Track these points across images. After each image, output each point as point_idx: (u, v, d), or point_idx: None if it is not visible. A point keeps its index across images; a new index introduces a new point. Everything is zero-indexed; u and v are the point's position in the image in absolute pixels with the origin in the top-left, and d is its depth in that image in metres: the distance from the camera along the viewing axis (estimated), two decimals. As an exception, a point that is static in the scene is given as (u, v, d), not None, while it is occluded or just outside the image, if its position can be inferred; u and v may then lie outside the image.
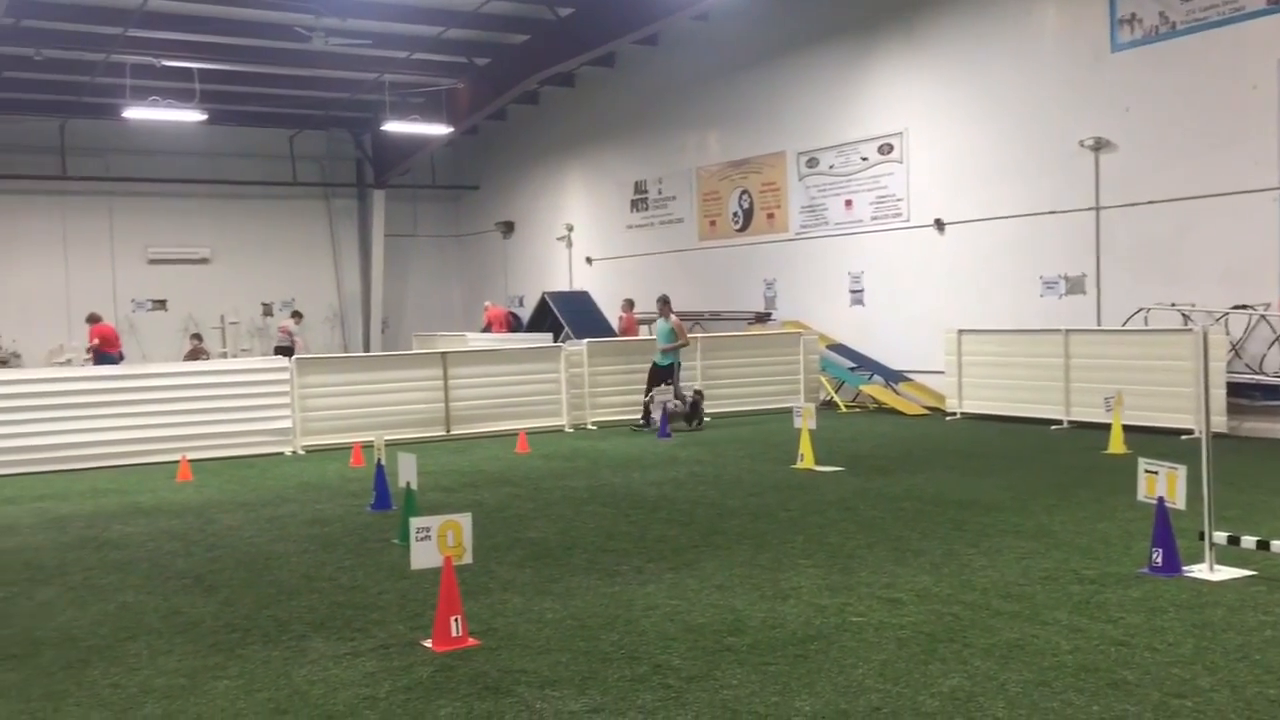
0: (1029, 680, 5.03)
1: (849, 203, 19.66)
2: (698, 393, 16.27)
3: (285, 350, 24.18)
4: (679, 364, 16.24)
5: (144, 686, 5.36)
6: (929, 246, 18.25)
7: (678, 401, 15.84)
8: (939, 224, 18.04)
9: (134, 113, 22.97)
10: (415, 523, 5.87)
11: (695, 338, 18.14)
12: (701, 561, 7.57)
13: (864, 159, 19.29)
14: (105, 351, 20.58)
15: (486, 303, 27.51)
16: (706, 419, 16.49)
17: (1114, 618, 5.96)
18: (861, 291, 19.52)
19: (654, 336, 16.74)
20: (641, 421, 16.17)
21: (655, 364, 16.21)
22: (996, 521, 8.66)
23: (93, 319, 21.89)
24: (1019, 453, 12.73)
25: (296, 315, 26.49)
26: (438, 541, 5.87)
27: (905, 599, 6.44)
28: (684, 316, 21.99)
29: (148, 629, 6.37)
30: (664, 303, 16.53)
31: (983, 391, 16.24)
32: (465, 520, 5.97)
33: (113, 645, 6.07)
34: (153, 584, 7.50)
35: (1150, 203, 15.11)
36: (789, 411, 12.95)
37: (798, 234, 20.81)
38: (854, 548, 7.85)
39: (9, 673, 5.63)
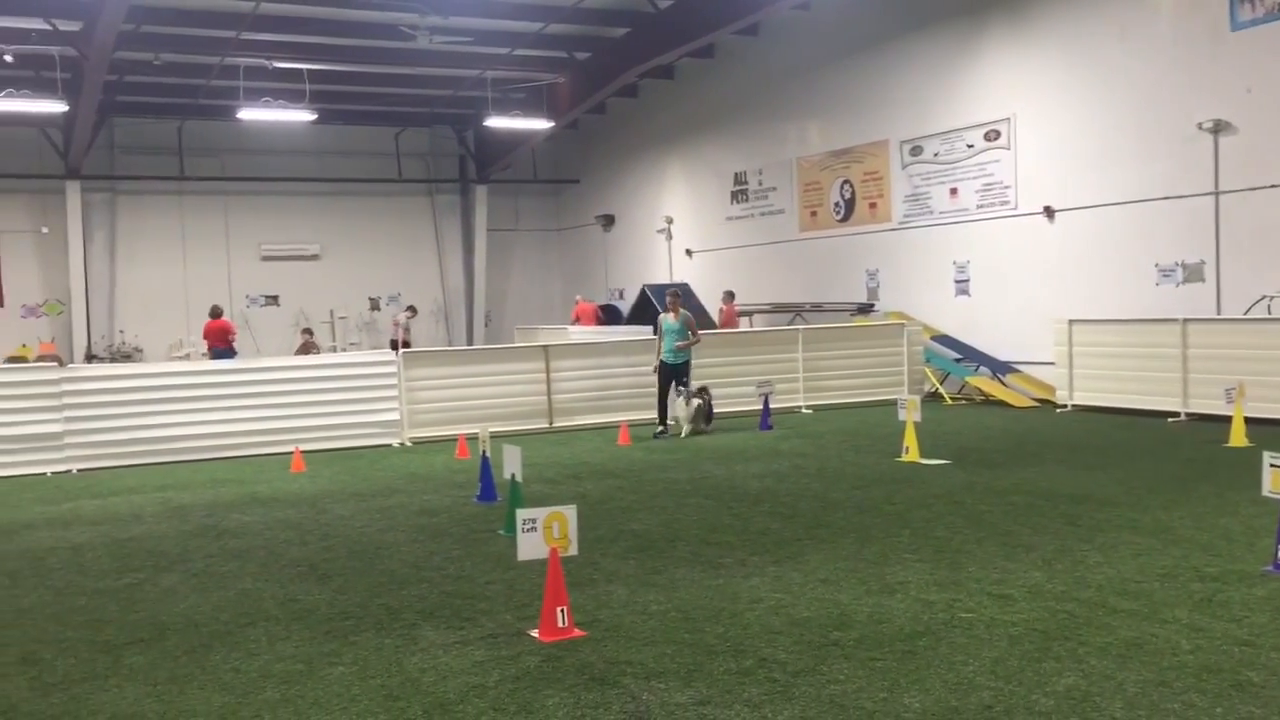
0: (1148, 680, 4.89)
1: (954, 191, 19.30)
2: (703, 390, 15.21)
3: (397, 345, 24.85)
4: (688, 362, 15.16)
5: (263, 671, 5.53)
6: (1038, 234, 17.81)
7: (698, 400, 14.88)
8: (1048, 211, 17.60)
9: (248, 114, 23.66)
10: (522, 514, 5.95)
11: (796, 329, 18.03)
12: (805, 555, 7.52)
13: (970, 146, 18.91)
14: (214, 346, 21.27)
15: (577, 297, 27.78)
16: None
17: (1237, 617, 5.76)
18: (967, 281, 19.15)
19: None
20: (660, 427, 15.03)
21: (665, 362, 15.00)
22: (1111, 517, 8.42)
23: (213, 313, 22.68)
24: (1134, 446, 12.36)
25: (410, 310, 27.16)
26: (543, 533, 5.93)
27: (1016, 595, 6.31)
28: (784, 308, 21.97)
29: (266, 615, 6.57)
30: (675, 297, 15.76)
31: (1095, 383, 15.80)
32: (570, 512, 6.03)
33: (233, 631, 6.27)
34: (270, 572, 7.73)
35: (1273, 186, 14.52)
36: (892, 404, 12.79)
37: (901, 223, 20.50)
38: (962, 542, 7.72)
39: (137, 655, 5.87)
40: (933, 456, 11.69)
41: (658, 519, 9.06)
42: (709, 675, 5.18)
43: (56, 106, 21.57)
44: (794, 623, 5.94)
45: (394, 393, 15.28)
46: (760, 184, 24.26)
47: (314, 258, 30.20)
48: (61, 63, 20.98)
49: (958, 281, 19.30)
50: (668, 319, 15.17)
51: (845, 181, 21.78)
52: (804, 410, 17.11)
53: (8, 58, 20.85)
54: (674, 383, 14.97)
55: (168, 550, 8.59)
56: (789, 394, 17.15)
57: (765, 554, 7.59)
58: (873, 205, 21.14)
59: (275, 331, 29.03)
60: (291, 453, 13.41)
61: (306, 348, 24.76)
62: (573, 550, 6.01)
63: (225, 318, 22.40)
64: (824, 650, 5.46)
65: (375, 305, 30.89)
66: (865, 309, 20.84)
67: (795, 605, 6.28)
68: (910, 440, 11.72)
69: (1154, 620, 5.75)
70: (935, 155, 19.61)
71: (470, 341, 30.67)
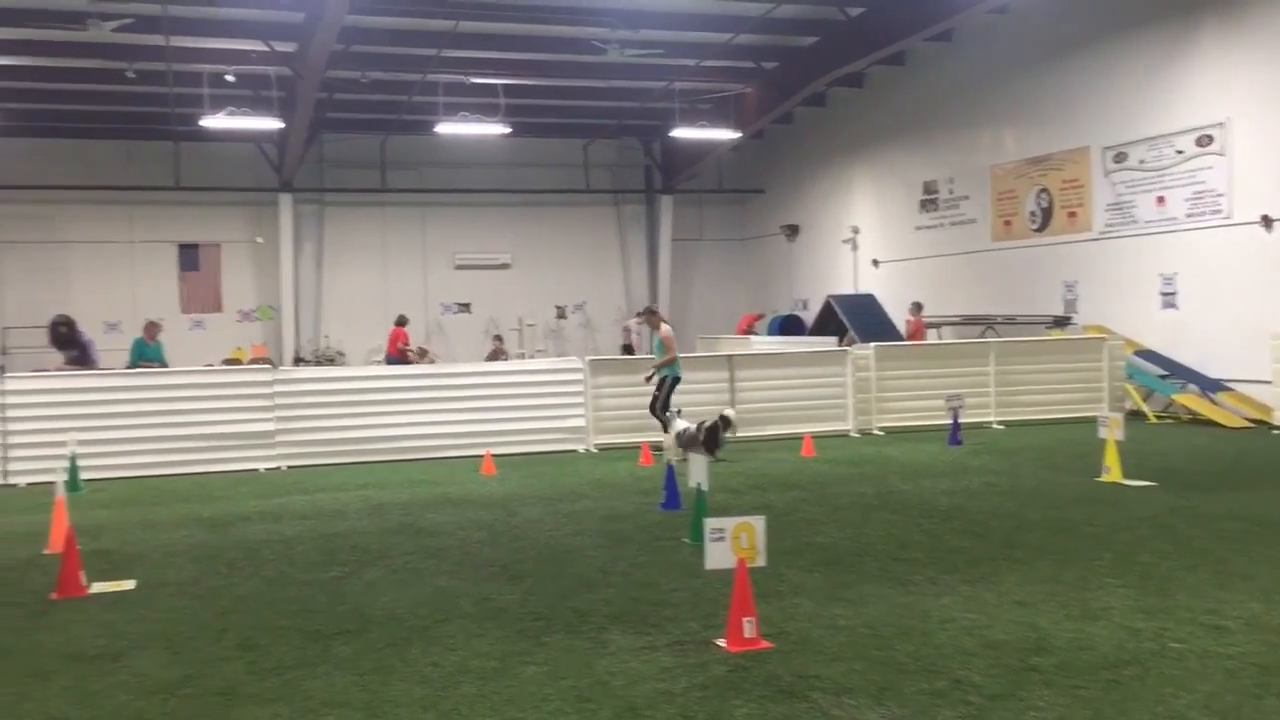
0: (1384, 726, 4.54)
1: (1161, 199, 18.35)
2: (723, 418, 13.53)
3: (629, 349, 25.54)
4: (669, 380, 14.33)
5: (460, 667, 5.72)
6: (1254, 245, 16.75)
7: (684, 425, 13.53)
8: (1266, 221, 16.54)
9: (445, 128, 24.58)
10: (710, 523, 5.97)
11: (988, 342, 17.49)
12: (999, 575, 7.29)
13: (1179, 152, 17.95)
14: (389, 353, 22.25)
15: (760, 314, 27.89)
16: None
17: None
18: (1174, 294, 18.17)
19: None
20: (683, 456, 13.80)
21: (673, 377, 14.40)
22: (1338, 548, 7.85)
23: (399, 321, 23.73)
24: (1362, 473, 11.48)
25: (641, 314, 27.84)
26: (731, 543, 5.94)
27: (1232, 627, 5.95)
28: (974, 320, 21.35)
29: (461, 613, 6.79)
30: (651, 313, 15.16)
31: (1317, 404, 14.76)
32: (759, 523, 6.02)
33: (431, 626, 6.51)
34: (464, 570, 7.99)
35: None
36: (1091, 421, 12.26)
37: (1102, 233, 19.63)
38: (1170, 569, 7.33)
39: (344, 645, 6.16)
40: (1136, 477, 11.13)
41: (844, 533, 8.94)
42: (901, 694, 5.08)
43: (272, 123, 22.92)
44: (989, 645, 5.76)
45: (581, 399, 15.57)
46: (951, 192, 23.66)
47: (504, 266, 31.10)
48: (277, 82, 22.29)
49: (1164, 294, 18.34)
50: (655, 335, 14.77)
51: (1042, 190, 21.02)
52: (995, 426, 16.57)
53: (229, 78, 22.26)
54: (659, 398, 14.24)
55: (370, 546, 8.99)
56: (979, 409, 16.65)
57: (956, 573, 7.39)
58: (1072, 214, 20.32)
59: (467, 338, 30.03)
60: (482, 456, 13.81)
61: (496, 354, 25.54)
62: (760, 561, 6.00)
63: (403, 327, 23.38)
64: (1022, 675, 5.28)
65: (561, 313, 31.56)
66: (1062, 322, 20.04)
67: (990, 627, 6.09)
68: (1112, 460, 11.20)
69: (1390, 661, 5.33)
70: (1141, 162, 18.70)
71: (653, 350, 30.91)
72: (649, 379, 14.44)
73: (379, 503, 11.28)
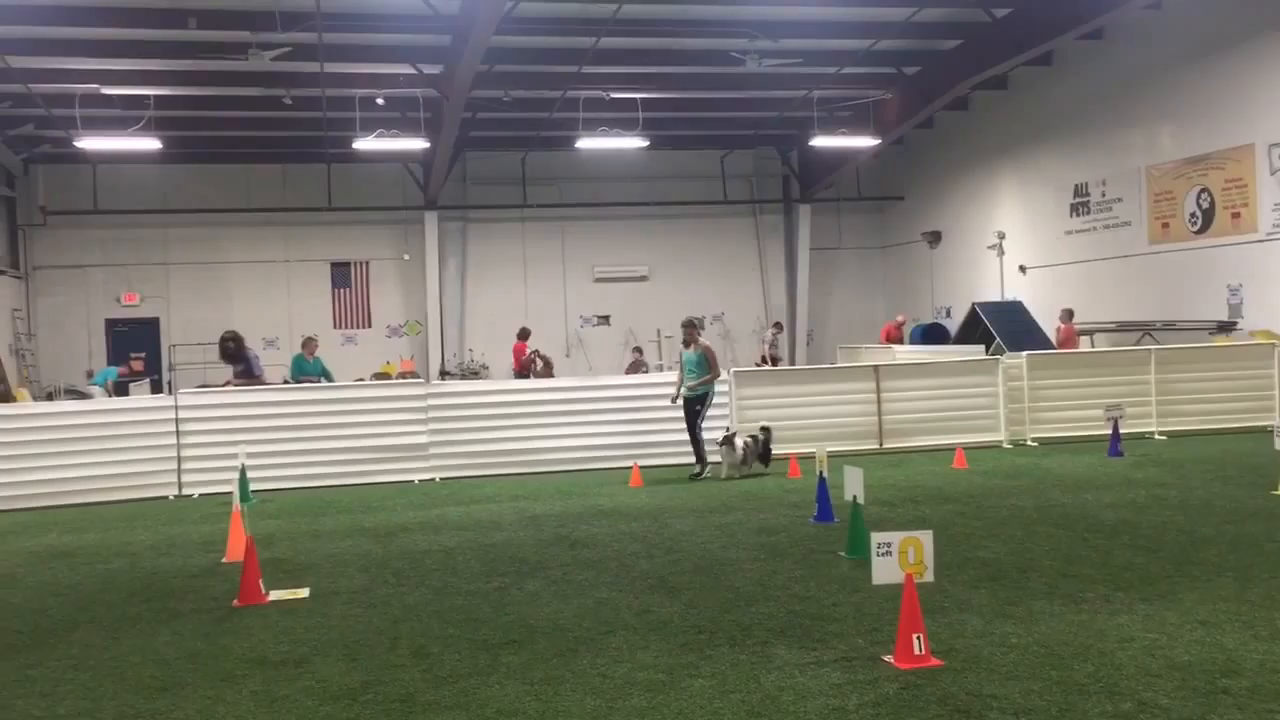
0: None
1: (1334, 197, 17.42)
2: (765, 429, 14.08)
3: (772, 360, 25.61)
4: (711, 396, 14.21)
5: (628, 679, 5.78)
6: None
7: (749, 440, 13.84)
8: None
9: (585, 143, 24.92)
10: (877, 538, 5.91)
11: (1148, 349, 16.86)
12: (1177, 593, 7.01)
13: (1353, 147, 17.03)
14: (515, 369, 22.61)
15: (900, 316, 27.33)
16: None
17: None
18: (1350, 297, 17.22)
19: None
20: (696, 468, 14.07)
21: (686, 398, 14.16)
22: None
23: (521, 335, 24.09)
24: None
25: (777, 326, 27.98)
26: (899, 558, 5.87)
27: None
28: (1130, 326, 20.59)
29: (623, 625, 6.86)
30: (690, 327, 14.62)
31: None
32: (926, 537, 5.93)
33: (595, 638, 6.59)
34: (622, 582, 8.06)
35: None
36: (1263, 431, 11.70)
37: (1270, 234, 18.72)
38: (1364, 589, 6.94)
39: (512, 655, 6.29)
40: (1317, 491, 10.59)
41: (1006, 547, 8.72)
42: (1082, 716, 4.93)
43: (419, 144, 23.61)
44: (1173, 666, 5.55)
45: (725, 411, 15.55)
46: (1103, 195, 22.89)
47: (643, 279, 31.33)
48: (424, 103, 22.94)
49: (1338, 297, 17.39)
50: (686, 352, 14.42)
51: (1203, 190, 20.16)
52: (1157, 436, 15.94)
53: (380, 101, 23.02)
54: (697, 418, 14.11)
55: (527, 557, 9.15)
56: (1140, 419, 16.03)
57: (1131, 590, 7.14)
58: (1235, 215, 19.44)
59: (606, 350, 30.35)
60: (628, 468, 13.92)
61: (636, 366, 25.72)
62: (929, 576, 5.90)
63: (525, 340, 23.68)
64: (1212, 698, 5.07)
65: (700, 324, 31.57)
66: (1226, 327, 19.16)
67: (1173, 647, 5.86)
68: (1289, 472, 10.67)
69: None
70: (1311, 158, 17.80)
71: (791, 360, 30.75)
72: (675, 400, 14.29)
73: (533, 514, 11.47)
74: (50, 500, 13.49)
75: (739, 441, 13.80)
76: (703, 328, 14.56)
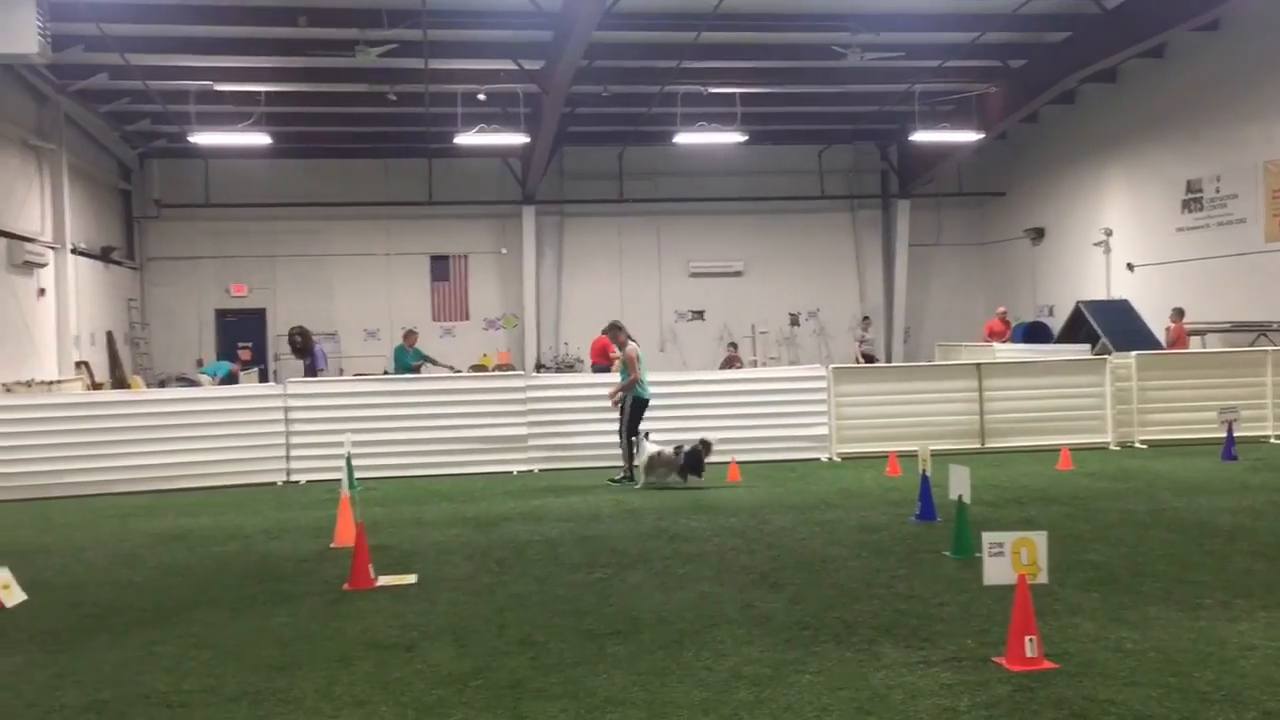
0: None
1: None
2: (704, 442, 13.14)
3: (870, 357, 25.43)
4: (629, 402, 13.44)
5: (734, 672, 5.78)
6: None
7: (657, 450, 13.07)
8: None
9: (683, 138, 24.91)
10: (988, 537, 5.82)
11: (1264, 350, 16.31)
12: (1302, 603, 6.78)
13: None
14: (596, 363, 22.56)
15: (1000, 309, 26.70)
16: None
17: None
18: None
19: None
20: (621, 475, 13.54)
21: (638, 398, 13.50)
22: None
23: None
24: None
25: (866, 321, 27.80)
26: (1011, 558, 5.77)
27: None
28: (1246, 326, 19.91)
29: (727, 619, 6.86)
30: (615, 329, 14.03)
31: None
32: (1040, 539, 5.83)
33: (699, 630, 6.60)
34: (723, 577, 8.07)
35: None
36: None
37: (1396, 232, 17.96)
38: None
39: (617, 646, 6.33)
40: None
41: (1117, 551, 8.52)
42: (1206, 725, 4.81)
43: (519, 139, 23.84)
44: (1300, 677, 5.38)
45: (823, 408, 15.46)
46: (1218, 191, 22.16)
47: (738, 274, 31.22)
48: (524, 98, 23.17)
49: None
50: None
51: (1324, 186, 19.41)
52: (1274, 440, 15.43)
53: (481, 97, 23.30)
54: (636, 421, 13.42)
55: (628, 549, 9.20)
56: (1255, 422, 15.53)
57: (1252, 597, 6.92)
58: (1359, 212, 18.69)
59: (700, 345, 30.33)
60: (725, 463, 13.89)
61: (730, 362, 25.64)
62: (1042, 578, 5.79)
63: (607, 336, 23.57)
64: (1344, 712, 4.90)
65: (795, 320, 31.42)
66: (1347, 329, 18.46)
67: (1299, 658, 5.68)
68: None
69: None
70: None
71: (889, 358, 30.40)
72: (615, 403, 13.62)
73: (631, 507, 11.53)
74: (165, 484, 13.96)
75: (650, 448, 13.10)
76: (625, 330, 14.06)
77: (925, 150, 28.12)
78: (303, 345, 16.02)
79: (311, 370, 16.02)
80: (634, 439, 13.40)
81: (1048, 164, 28.37)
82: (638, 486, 13.09)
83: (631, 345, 13.70)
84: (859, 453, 15.22)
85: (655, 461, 13.03)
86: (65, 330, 21.97)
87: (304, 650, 6.41)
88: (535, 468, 14.89)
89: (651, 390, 13.75)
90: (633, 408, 13.47)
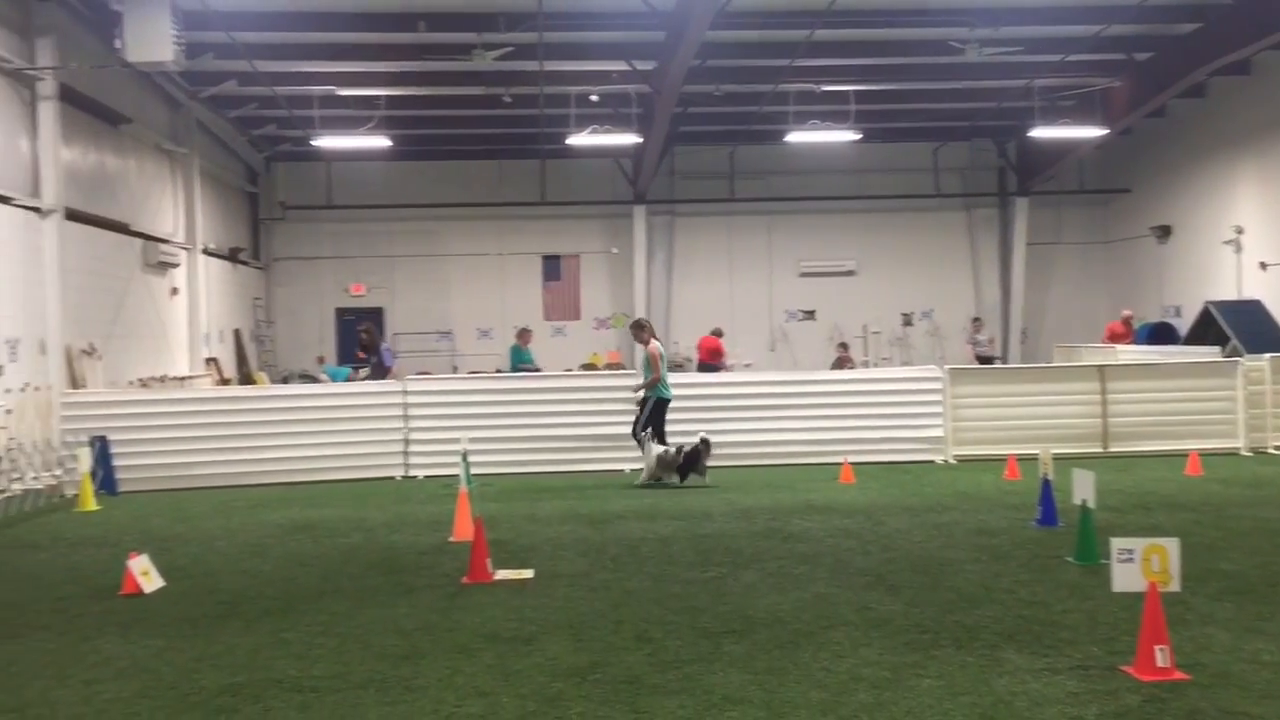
0: None
1: None
2: (704, 441, 13.26)
3: (986, 359, 24.98)
4: (650, 401, 13.51)
5: (852, 674, 5.74)
6: None
7: (661, 449, 13.27)
8: None
9: (795, 137, 24.72)
10: (1118, 544, 5.67)
11: None
12: None
13: None
14: (705, 361, 22.52)
15: (1125, 311, 25.88)
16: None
17: None
18: None
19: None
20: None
21: (660, 398, 13.61)
22: None
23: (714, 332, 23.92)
24: None
25: (977, 322, 27.36)
26: (1141, 565, 5.62)
27: None
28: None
29: (843, 620, 6.81)
30: (638, 327, 13.88)
31: None
32: (1172, 545, 5.66)
33: (815, 631, 6.57)
34: (839, 578, 8.01)
35: None
36: None
37: None
38: None
39: (733, 644, 6.34)
40: None
41: (1253, 560, 8.22)
42: (1351, 743, 4.61)
43: (631, 139, 23.97)
44: None
45: (939, 409, 15.21)
46: (1359, 187, 21.16)
47: (849, 274, 30.88)
48: (636, 99, 23.28)
49: None
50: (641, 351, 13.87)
51: None
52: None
53: (594, 98, 23.49)
54: (656, 420, 13.57)
55: (741, 549, 9.20)
56: (1400, 429, 14.81)
57: (1400, 613, 6.62)
58: None
59: (811, 345, 30.07)
60: (838, 464, 13.77)
61: (842, 362, 25.40)
62: (1174, 586, 5.62)
63: (721, 339, 23.48)
64: None
65: (908, 321, 30.96)
66: None
67: None
68: None
69: None
70: None
71: (1005, 359, 29.73)
72: (638, 401, 13.71)
73: (743, 507, 11.52)
74: (289, 476, 14.42)
75: (656, 448, 13.31)
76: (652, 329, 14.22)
77: (1045, 146, 27.41)
78: (369, 343, 16.41)
79: (380, 368, 16.38)
80: (641, 437, 13.57)
81: (1175, 159, 27.40)
82: (637, 484, 13.38)
83: (654, 343, 13.82)
84: (976, 455, 14.95)
85: (661, 461, 13.26)
86: (196, 328, 22.81)
87: (426, 641, 6.57)
88: (647, 466, 14.95)
89: (768, 389, 13.75)
90: (654, 407, 13.59)
